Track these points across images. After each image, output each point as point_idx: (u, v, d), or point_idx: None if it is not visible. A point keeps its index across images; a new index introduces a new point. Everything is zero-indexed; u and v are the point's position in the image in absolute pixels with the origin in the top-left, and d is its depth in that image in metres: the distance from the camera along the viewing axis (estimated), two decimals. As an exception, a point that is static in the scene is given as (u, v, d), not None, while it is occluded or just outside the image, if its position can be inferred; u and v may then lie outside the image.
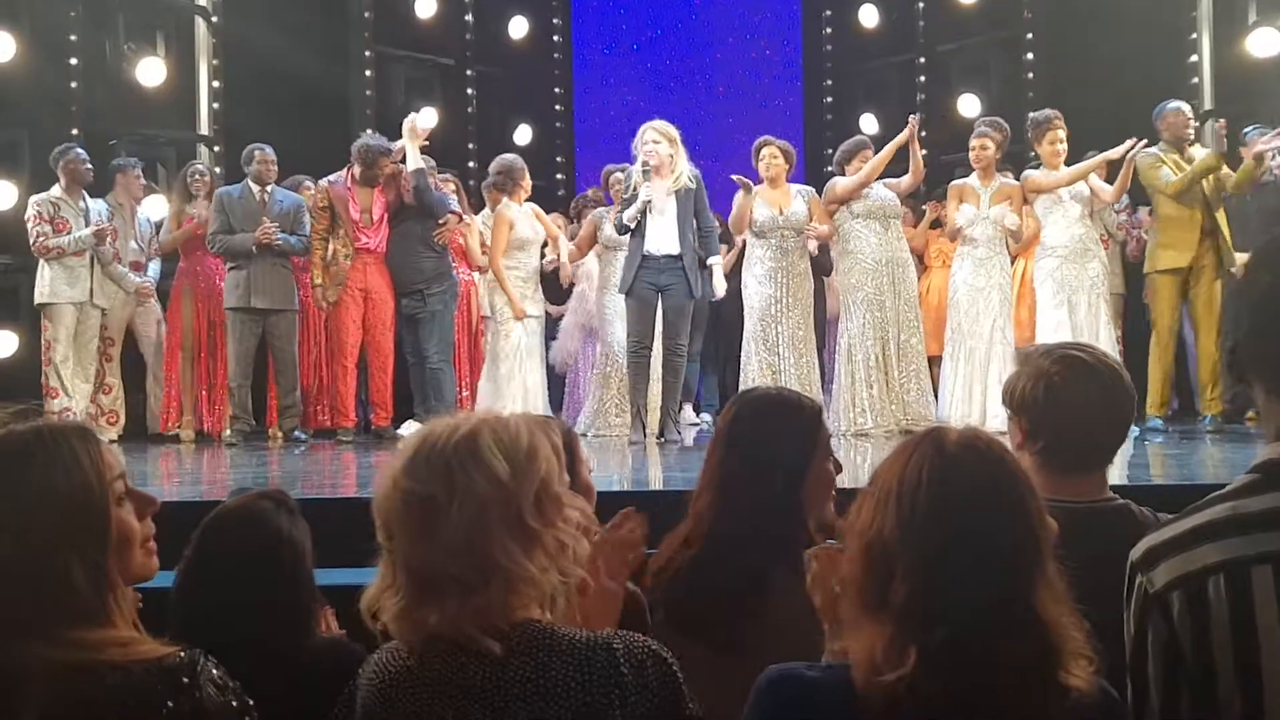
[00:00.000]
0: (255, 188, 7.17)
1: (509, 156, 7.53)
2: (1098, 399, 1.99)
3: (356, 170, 7.23)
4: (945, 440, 1.42)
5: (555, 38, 10.69)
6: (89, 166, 7.10)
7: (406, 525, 1.49)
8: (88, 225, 7.03)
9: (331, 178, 7.28)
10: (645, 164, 6.31)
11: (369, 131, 7.74)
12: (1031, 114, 6.95)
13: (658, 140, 6.32)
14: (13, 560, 1.41)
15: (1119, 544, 1.51)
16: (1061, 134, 6.66)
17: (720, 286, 6.55)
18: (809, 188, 7.13)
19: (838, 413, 6.76)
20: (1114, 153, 6.51)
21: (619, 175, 7.11)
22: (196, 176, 7.58)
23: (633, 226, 6.39)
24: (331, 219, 7.15)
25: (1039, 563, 1.38)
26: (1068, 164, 6.70)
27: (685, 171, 6.36)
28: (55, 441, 1.47)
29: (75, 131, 7.66)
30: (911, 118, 6.90)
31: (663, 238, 6.34)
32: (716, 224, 6.72)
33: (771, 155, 6.84)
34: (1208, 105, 7.98)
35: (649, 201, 6.30)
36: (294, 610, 2.01)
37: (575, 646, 1.48)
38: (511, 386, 7.13)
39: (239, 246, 6.99)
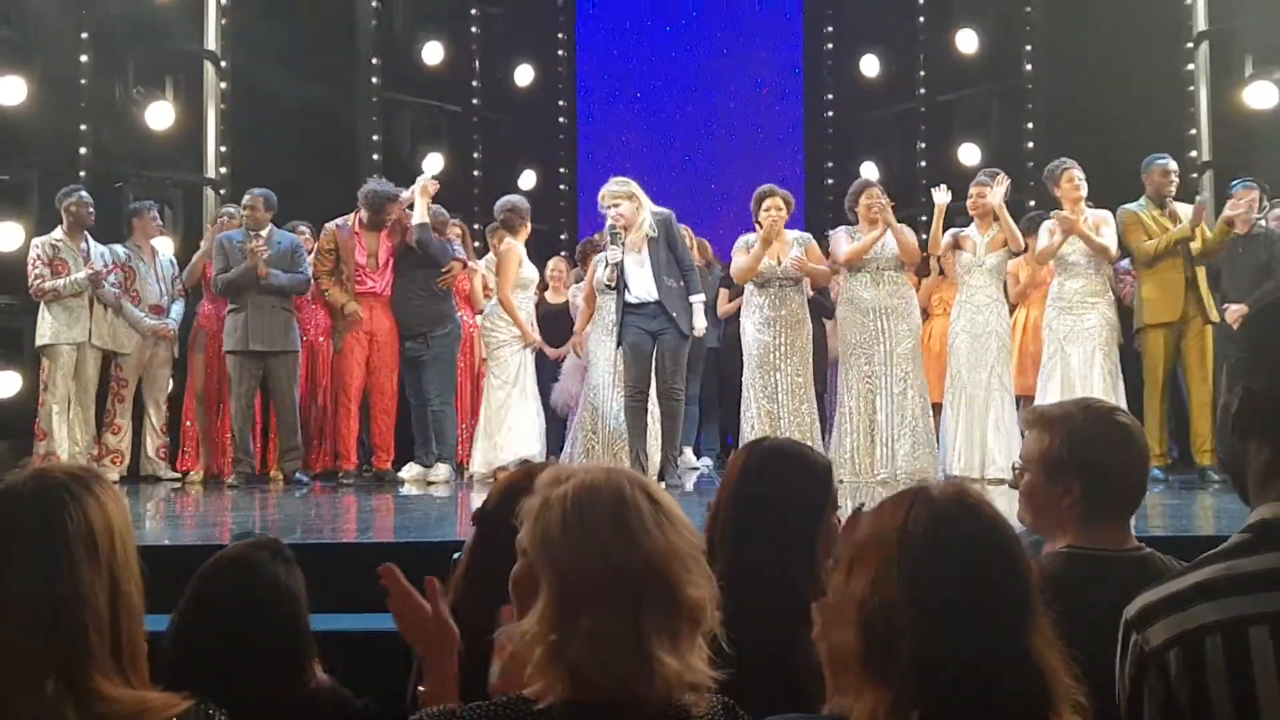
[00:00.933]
0: (250, 234, 7.16)
1: (515, 197, 7.63)
2: (1127, 449, 2.10)
3: (364, 215, 7.31)
4: (934, 498, 1.44)
5: (560, 85, 10.81)
6: (91, 210, 7.14)
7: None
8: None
9: (338, 221, 7.35)
10: (613, 227, 6.47)
11: (376, 176, 7.81)
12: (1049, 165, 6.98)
13: (617, 201, 6.44)
14: (43, 602, 1.42)
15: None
16: (1077, 174, 6.68)
17: (700, 326, 6.55)
18: (805, 234, 7.16)
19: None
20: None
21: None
22: (228, 218, 7.59)
23: (613, 285, 6.55)
24: (336, 262, 7.20)
25: (1031, 608, 1.41)
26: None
27: (647, 220, 6.44)
28: (90, 487, 1.49)
29: (83, 174, 7.73)
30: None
31: (643, 286, 6.45)
32: (694, 260, 6.70)
33: (775, 207, 6.88)
34: (1205, 156, 8.06)
35: (619, 263, 6.45)
36: (290, 659, 2.01)
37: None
38: (505, 419, 7.18)
39: (238, 278, 7.02)
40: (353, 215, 7.34)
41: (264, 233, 7.16)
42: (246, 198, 7.27)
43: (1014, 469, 2.22)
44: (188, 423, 7.56)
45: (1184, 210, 6.62)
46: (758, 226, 6.90)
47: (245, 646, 1.95)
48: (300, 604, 2.06)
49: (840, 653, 1.43)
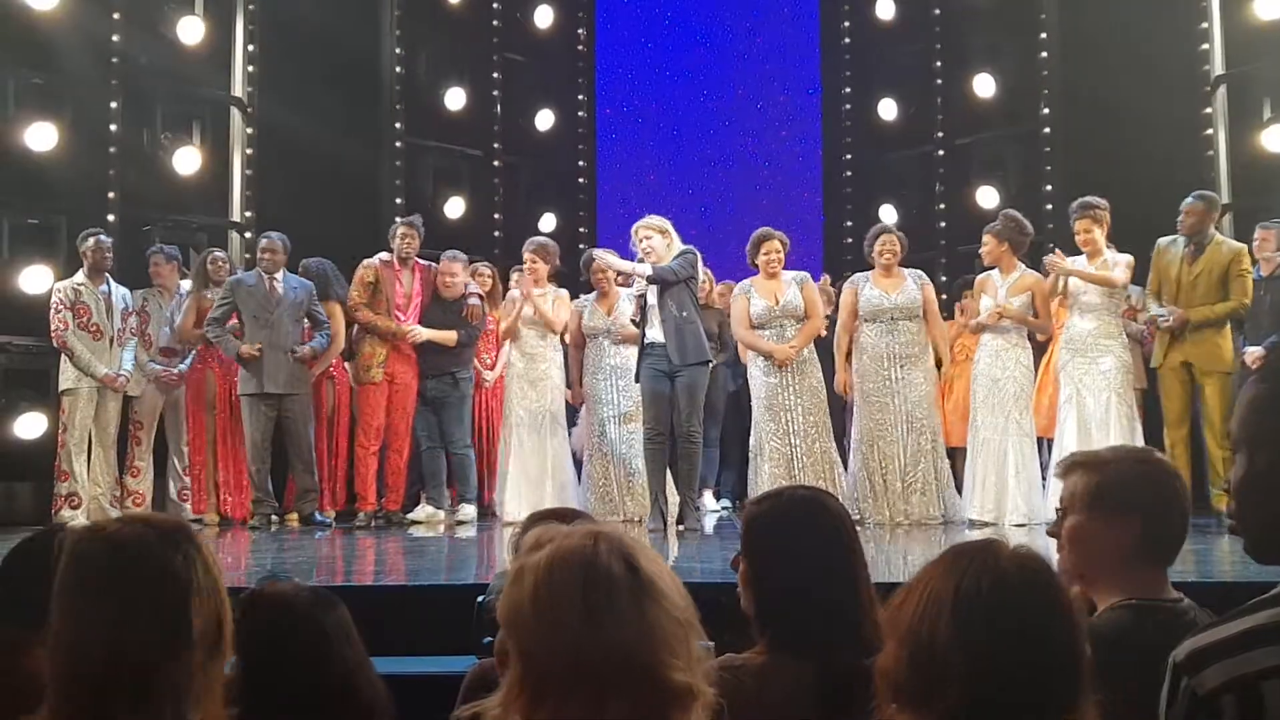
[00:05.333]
0: (265, 277, 7.21)
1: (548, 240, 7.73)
2: (1180, 487, 2.10)
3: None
4: (1001, 556, 1.47)
5: (580, 130, 10.93)
6: (108, 253, 7.18)
7: None
8: (108, 311, 7.15)
9: (382, 256, 7.42)
10: (643, 261, 6.50)
11: (416, 216, 7.83)
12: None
13: (650, 234, 6.49)
14: (163, 650, 1.44)
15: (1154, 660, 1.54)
16: (1079, 227, 6.68)
17: (643, 270, 6.41)
18: (803, 273, 7.16)
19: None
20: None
21: (602, 258, 7.12)
22: (217, 263, 7.60)
23: (638, 321, 6.60)
24: (373, 296, 7.26)
25: (1082, 685, 1.43)
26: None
27: (669, 258, 6.47)
28: (193, 539, 1.53)
29: (112, 218, 7.84)
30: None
31: (657, 327, 6.47)
32: (675, 269, 6.47)
33: (775, 250, 6.93)
34: (1225, 199, 8.06)
35: (643, 295, 6.48)
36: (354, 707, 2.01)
37: None
38: (513, 462, 7.23)
39: (228, 351, 7.11)
40: (392, 255, 7.43)
41: (278, 275, 7.20)
42: (264, 240, 7.34)
43: (1057, 513, 2.17)
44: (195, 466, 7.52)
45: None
46: (753, 268, 6.99)
47: (307, 695, 1.93)
48: (355, 646, 2.04)
49: (884, 670, 1.46)
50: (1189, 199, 6.64)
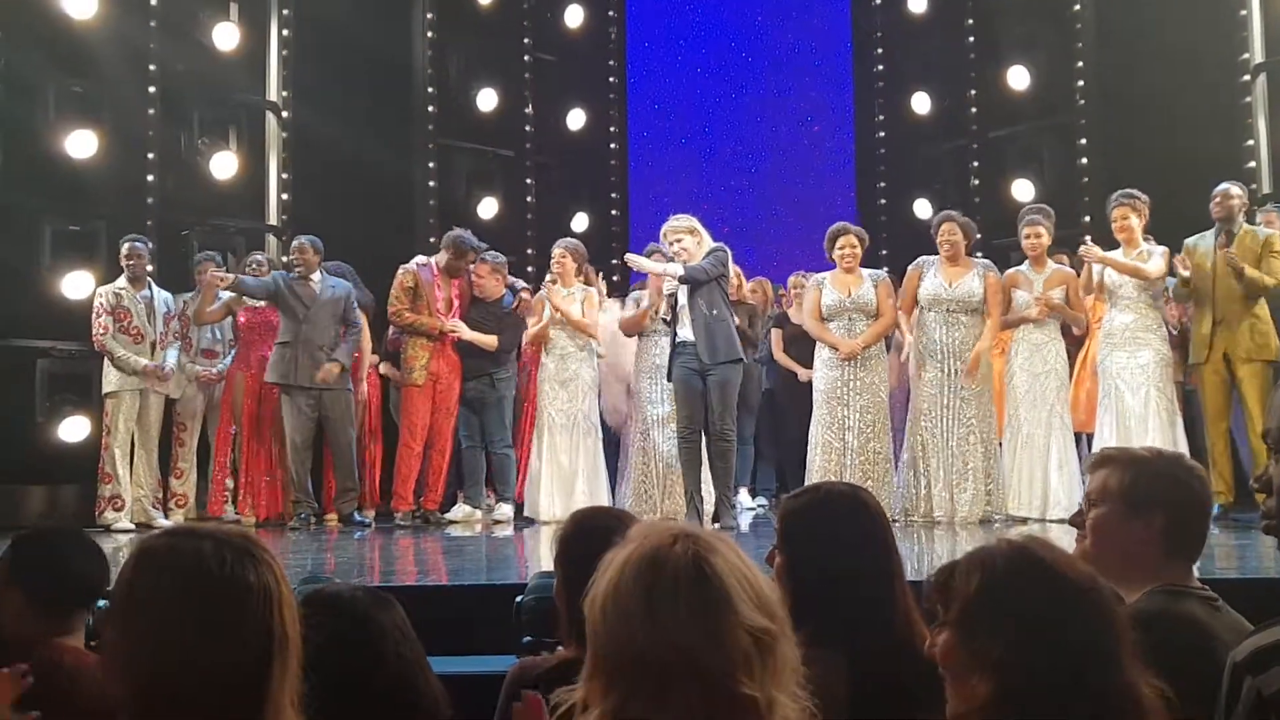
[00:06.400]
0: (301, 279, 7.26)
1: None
2: (1203, 489, 2.14)
3: (443, 259, 7.43)
4: (1031, 547, 1.52)
5: (612, 128, 10.93)
6: (141, 259, 7.24)
7: None
8: (149, 315, 7.23)
9: (419, 260, 7.48)
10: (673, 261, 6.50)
11: (466, 232, 7.76)
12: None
13: (680, 236, 6.49)
14: (246, 662, 1.45)
15: (1203, 633, 1.54)
16: (1116, 215, 6.62)
17: (674, 269, 6.41)
18: (880, 272, 7.16)
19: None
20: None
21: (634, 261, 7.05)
22: (255, 265, 7.66)
23: (669, 320, 6.61)
24: (413, 300, 7.31)
25: (1114, 643, 1.45)
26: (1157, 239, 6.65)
27: (699, 256, 6.47)
28: (261, 547, 1.53)
29: (150, 223, 7.93)
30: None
31: (687, 326, 6.48)
32: (706, 268, 6.48)
33: (850, 244, 6.92)
34: (1266, 189, 7.94)
35: (673, 294, 6.48)
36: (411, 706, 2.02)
37: None
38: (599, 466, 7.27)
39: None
40: (433, 259, 7.49)
41: (314, 277, 7.27)
42: (295, 243, 7.42)
43: (1080, 507, 2.20)
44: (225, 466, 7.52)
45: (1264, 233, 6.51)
46: (830, 262, 6.98)
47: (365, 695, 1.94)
48: (414, 645, 2.05)
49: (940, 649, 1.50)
50: (1223, 185, 6.58)
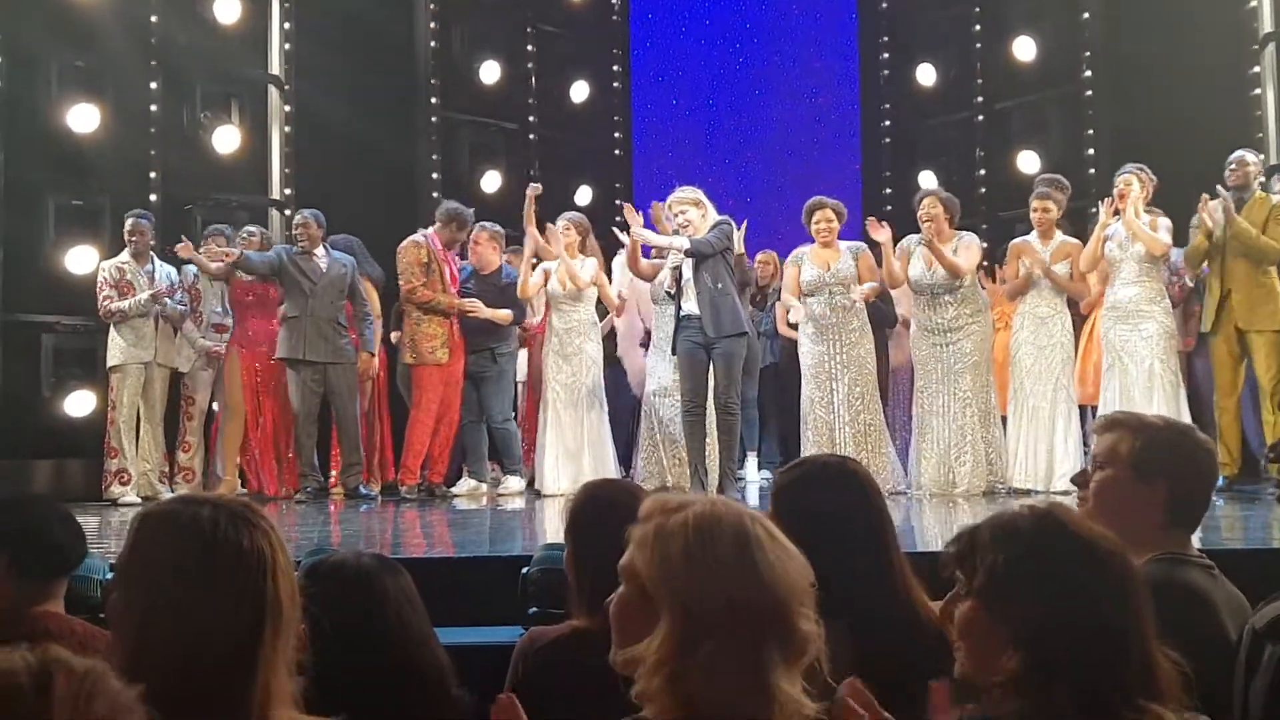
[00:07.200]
0: (305, 253, 7.23)
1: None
2: (1209, 459, 2.15)
3: (443, 234, 7.39)
4: (1057, 514, 1.51)
5: (616, 101, 10.88)
6: (144, 234, 7.24)
7: None
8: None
9: (424, 232, 7.43)
10: (678, 233, 6.50)
11: (456, 205, 7.75)
12: None
13: (684, 208, 6.48)
14: (245, 628, 1.47)
15: (1206, 601, 1.54)
16: (1120, 184, 6.59)
17: (680, 243, 6.41)
18: (860, 244, 7.12)
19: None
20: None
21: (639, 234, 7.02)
22: (247, 236, 7.61)
23: (673, 292, 6.60)
24: (426, 275, 7.27)
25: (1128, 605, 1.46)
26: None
27: (705, 229, 6.46)
28: (261, 514, 1.55)
29: (154, 197, 7.93)
30: (879, 236, 6.85)
31: (692, 299, 6.48)
32: (713, 240, 6.48)
33: (826, 219, 6.90)
34: (1274, 160, 7.90)
35: (678, 267, 6.48)
36: (419, 675, 2.01)
37: None
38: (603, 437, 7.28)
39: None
40: (432, 231, 7.44)
41: (318, 251, 7.25)
42: (298, 217, 7.39)
43: (1085, 469, 2.21)
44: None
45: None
46: (812, 237, 6.96)
47: (375, 664, 1.94)
48: (419, 612, 2.05)
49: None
50: (1238, 152, 6.58)
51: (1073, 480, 2.26)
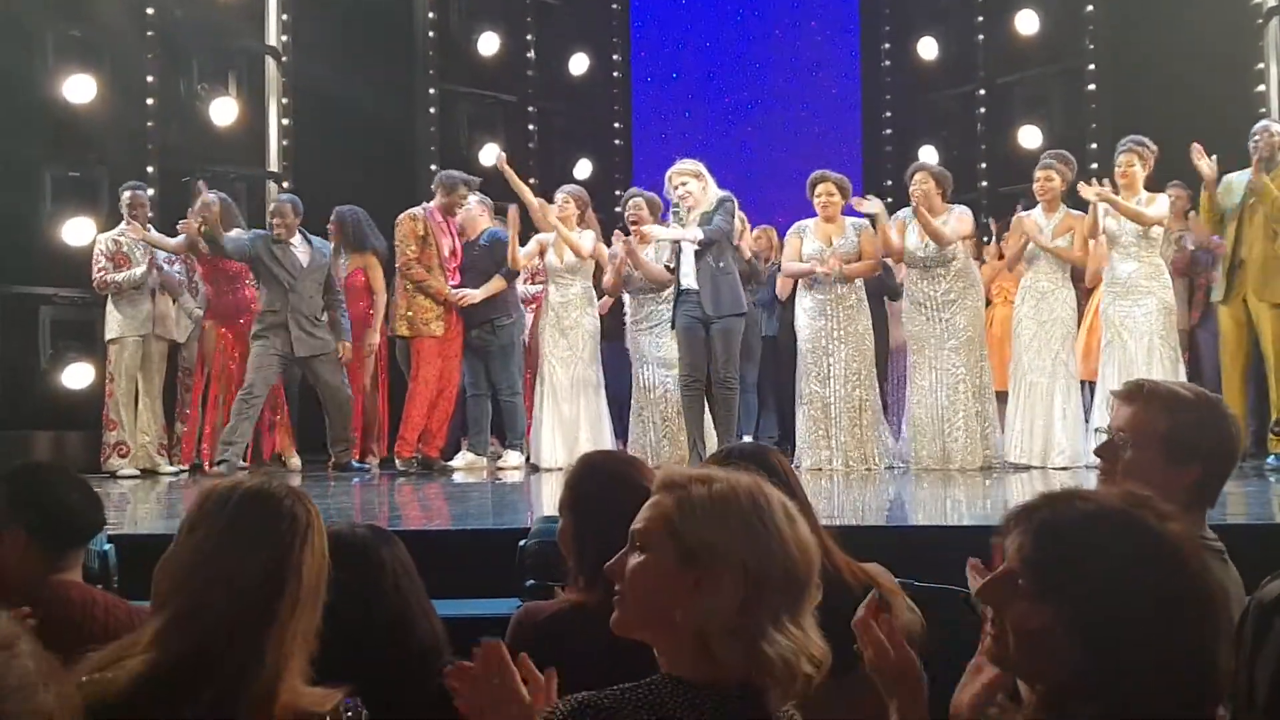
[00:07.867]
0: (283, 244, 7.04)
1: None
2: (1238, 443, 2.12)
3: (439, 200, 7.34)
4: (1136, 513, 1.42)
5: (615, 73, 10.82)
6: (140, 205, 7.18)
7: None
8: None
9: (424, 206, 7.35)
10: (676, 207, 6.50)
11: (453, 171, 7.69)
12: None
13: (685, 180, 6.47)
14: (274, 586, 1.57)
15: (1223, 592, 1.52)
16: (1121, 160, 6.57)
17: (691, 234, 6.40)
18: (864, 220, 7.08)
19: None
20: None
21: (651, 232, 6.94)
22: (203, 206, 7.09)
23: (672, 267, 6.60)
24: (422, 249, 7.20)
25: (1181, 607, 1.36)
26: (1149, 189, 6.60)
27: (705, 202, 6.45)
28: (303, 498, 1.70)
29: (151, 169, 7.89)
30: (869, 208, 6.83)
31: (690, 274, 6.46)
32: (723, 226, 6.50)
33: (828, 193, 6.88)
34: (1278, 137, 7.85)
35: (678, 241, 6.48)
36: (413, 646, 2.03)
37: None
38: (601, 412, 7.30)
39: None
40: (433, 204, 7.36)
41: (295, 240, 7.07)
42: (273, 204, 7.30)
43: (1109, 437, 2.12)
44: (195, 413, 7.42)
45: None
46: (817, 210, 6.92)
47: (373, 634, 1.95)
48: (414, 581, 2.06)
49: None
50: (1262, 123, 6.61)
51: (1096, 452, 2.19)
